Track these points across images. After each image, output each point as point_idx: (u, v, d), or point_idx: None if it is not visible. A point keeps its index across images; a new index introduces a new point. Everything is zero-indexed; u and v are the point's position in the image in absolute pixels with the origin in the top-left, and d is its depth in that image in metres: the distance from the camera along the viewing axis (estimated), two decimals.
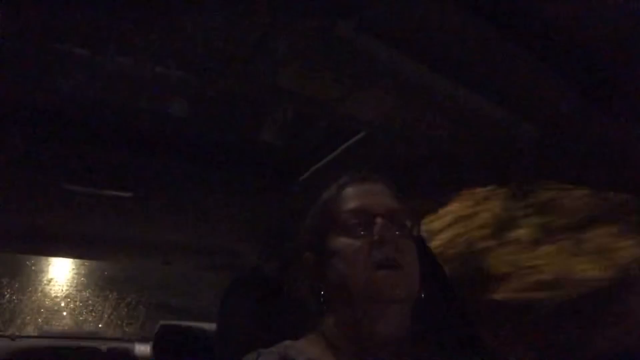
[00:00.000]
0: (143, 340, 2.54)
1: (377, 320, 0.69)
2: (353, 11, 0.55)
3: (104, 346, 2.36)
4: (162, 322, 2.24)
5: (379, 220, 0.71)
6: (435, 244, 2.50)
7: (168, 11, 0.57)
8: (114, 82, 1.03)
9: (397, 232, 0.72)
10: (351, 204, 0.76)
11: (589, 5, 0.63)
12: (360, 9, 0.50)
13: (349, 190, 0.78)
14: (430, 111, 0.79)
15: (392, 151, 1.12)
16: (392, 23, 0.61)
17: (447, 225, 2.63)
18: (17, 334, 2.57)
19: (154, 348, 2.24)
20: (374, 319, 0.69)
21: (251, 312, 0.97)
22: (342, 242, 0.72)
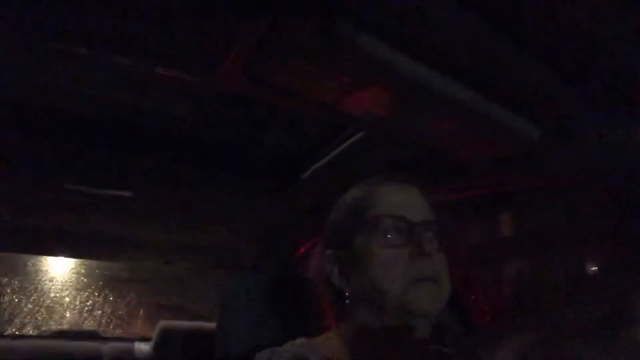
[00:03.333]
0: (143, 340, 2.54)
1: (406, 332, 0.68)
2: (353, 11, 0.55)
3: (104, 346, 2.35)
4: (162, 322, 2.24)
5: (419, 230, 0.69)
6: None
7: (168, 11, 0.57)
8: (113, 81, 1.03)
9: (435, 246, 0.69)
10: (388, 207, 0.72)
11: (589, 6, 0.63)
12: (360, 9, 0.50)
13: (385, 191, 0.74)
14: (430, 111, 0.79)
15: (391, 151, 1.13)
16: (392, 23, 0.61)
17: None
18: (17, 333, 2.56)
19: (154, 348, 2.24)
20: (403, 330, 0.68)
21: (251, 312, 0.97)
22: (376, 247, 0.69)
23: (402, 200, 0.73)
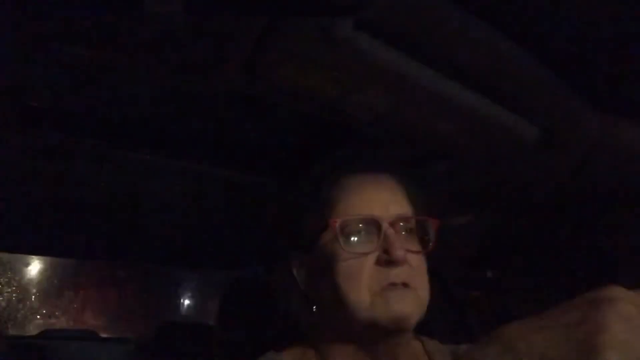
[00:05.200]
0: (143, 340, 2.54)
1: (378, 343, 0.61)
2: (353, 10, 0.55)
3: (103, 346, 2.36)
4: (162, 321, 2.25)
5: (388, 231, 0.60)
6: None
7: (167, 11, 0.57)
8: (113, 82, 1.03)
9: (408, 248, 0.61)
10: (352, 204, 0.63)
11: (589, 5, 0.63)
12: (360, 8, 0.50)
13: (350, 184, 0.65)
14: (430, 111, 0.79)
15: (391, 151, 1.12)
16: (392, 22, 0.61)
17: None
18: (17, 334, 2.56)
19: (153, 348, 2.24)
20: (376, 342, 0.61)
21: (250, 312, 0.97)
22: (341, 252, 0.60)
23: (371, 195, 0.64)
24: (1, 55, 0.72)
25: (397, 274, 0.59)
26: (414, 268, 0.61)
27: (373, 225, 0.61)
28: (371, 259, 0.60)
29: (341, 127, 0.93)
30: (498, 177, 1.07)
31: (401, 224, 0.62)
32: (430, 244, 0.64)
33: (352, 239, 0.61)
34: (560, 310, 0.38)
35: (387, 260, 0.59)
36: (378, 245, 0.60)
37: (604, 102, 0.81)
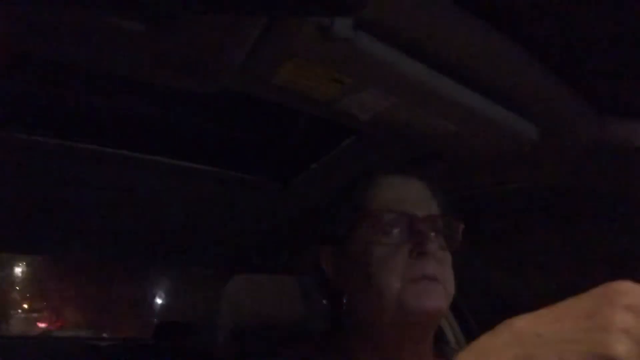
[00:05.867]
0: (142, 339, 2.54)
1: (406, 334, 0.65)
2: (352, 10, 0.55)
3: (103, 346, 2.36)
4: (161, 321, 2.25)
5: (421, 226, 0.65)
6: None
7: (166, 10, 0.57)
8: (113, 82, 1.03)
9: (439, 244, 0.66)
10: (388, 201, 0.68)
11: (589, 5, 0.63)
12: (360, 8, 0.50)
13: (385, 183, 0.71)
14: (430, 111, 0.79)
15: (391, 151, 1.12)
16: (392, 22, 0.61)
17: None
18: (17, 334, 2.56)
19: (153, 347, 2.24)
20: (404, 330, 0.65)
21: (251, 311, 0.97)
22: (375, 243, 0.65)
23: (404, 194, 0.69)
24: None
25: (427, 266, 0.64)
26: (442, 263, 0.66)
27: (407, 221, 0.66)
28: (404, 251, 0.64)
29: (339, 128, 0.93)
30: (498, 177, 1.07)
31: (431, 222, 0.67)
32: (456, 243, 0.69)
33: (387, 231, 0.66)
34: (570, 303, 0.38)
35: (419, 252, 0.64)
36: (411, 239, 0.65)
37: (604, 102, 0.81)
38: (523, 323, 0.38)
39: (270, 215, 1.71)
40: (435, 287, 0.64)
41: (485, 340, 0.39)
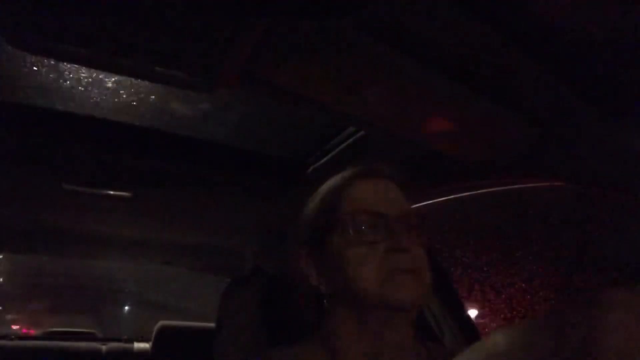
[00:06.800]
0: (142, 340, 2.54)
1: (386, 327, 0.66)
2: (353, 10, 0.55)
3: (103, 346, 2.35)
4: (161, 322, 2.24)
5: (395, 224, 0.67)
6: None
7: (167, 10, 0.57)
8: (114, 82, 1.03)
9: (413, 239, 0.68)
10: (362, 203, 0.70)
11: (589, 5, 0.63)
12: (360, 8, 0.50)
13: (358, 186, 0.73)
14: (430, 111, 0.79)
15: (391, 151, 1.12)
16: (392, 22, 0.61)
17: None
18: (17, 334, 2.57)
19: (153, 348, 2.24)
20: (383, 326, 0.66)
21: (250, 312, 0.97)
22: (351, 244, 0.67)
23: (377, 194, 0.72)
24: None
25: (403, 260, 0.66)
26: (417, 257, 0.68)
27: (382, 219, 0.68)
28: (380, 248, 0.66)
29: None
30: (498, 177, 1.07)
31: (405, 220, 0.69)
32: (427, 238, 0.72)
33: (363, 232, 0.68)
34: (555, 313, 0.37)
35: (394, 248, 0.66)
36: (386, 236, 0.67)
37: (604, 102, 0.81)
38: (499, 338, 0.37)
39: (270, 217, 1.71)
40: (412, 280, 0.66)
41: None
